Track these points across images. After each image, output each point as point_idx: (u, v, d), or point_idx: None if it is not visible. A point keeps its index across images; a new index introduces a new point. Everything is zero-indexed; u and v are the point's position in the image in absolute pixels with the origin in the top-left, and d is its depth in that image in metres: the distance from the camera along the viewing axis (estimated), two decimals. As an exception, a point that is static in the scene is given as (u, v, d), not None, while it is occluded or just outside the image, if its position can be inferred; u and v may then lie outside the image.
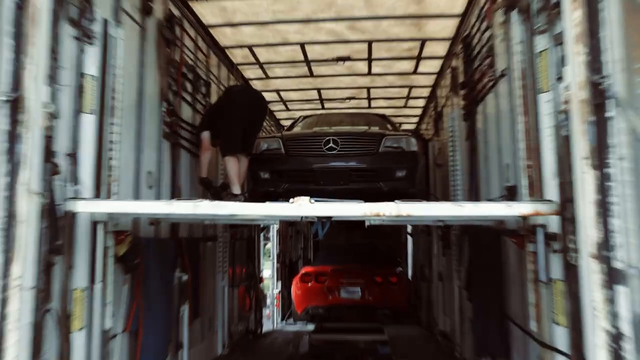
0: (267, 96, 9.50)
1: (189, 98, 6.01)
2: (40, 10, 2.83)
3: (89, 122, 3.59)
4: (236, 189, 5.63)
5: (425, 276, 10.03)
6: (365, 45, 7.27)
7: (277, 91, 9.55)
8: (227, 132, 5.64)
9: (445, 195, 7.51)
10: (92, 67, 3.60)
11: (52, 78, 3.10)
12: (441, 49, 7.35)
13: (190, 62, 6.03)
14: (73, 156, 3.42)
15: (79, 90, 3.52)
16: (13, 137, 2.70)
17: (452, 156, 6.59)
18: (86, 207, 3.27)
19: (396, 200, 3.26)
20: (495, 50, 4.81)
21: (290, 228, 13.38)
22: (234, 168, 5.64)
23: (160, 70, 5.05)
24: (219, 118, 5.70)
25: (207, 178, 5.90)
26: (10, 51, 2.71)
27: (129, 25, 4.38)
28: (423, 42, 7.09)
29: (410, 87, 9.28)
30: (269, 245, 13.56)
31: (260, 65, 8.09)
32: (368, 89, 9.42)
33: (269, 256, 13.65)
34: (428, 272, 9.53)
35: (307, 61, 7.89)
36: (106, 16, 3.87)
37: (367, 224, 4.39)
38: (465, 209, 3.16)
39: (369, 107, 10.60)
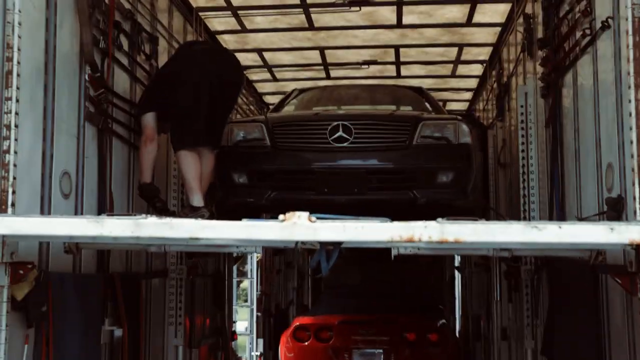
0: (244, 59, 9.53)
1: (125, 60, 5.97)
2: None
3: (-30, 96, 3.55)
4: (197, 200, 5.58)
5: (481, 332, 9.96)
6: (394, -19, 7.27)
7: (259, 51, 9.55)
8: (181, 113, 5.59)
9: (512, 211, 7.45)
10: (-26, 11, 3.57)
11: None
12: (509, -14, 7.34)
13: (127, 4, 5.98)
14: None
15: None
16: None
17: (523, 151, 6.55)
18: (-35, 227, 3.22)
19: (439, 219, 3.22)
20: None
21: (277, 258, 13.34)
22: (193, 168, 5.59)
23: (80, 17, 5.00)
24: (170, 92, 5.65)
25: (152, 184, 5.85)
26: None
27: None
28: (482, -25, 7.10)
29: (461, 46, 9.27)
30: (246, 284, 13.56)
31: (234, 11, 8.06)
32: (397, 48, 9.42)
33: (245, 300, 13.65)
34: (486, 327, 9.46)
35: (304, 5, 7.85)
36: None
37: (394, 253, 4.33)
38: (544, 233, 3.11)
39: (398, 76, 10.61)
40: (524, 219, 6.31)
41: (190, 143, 5.59)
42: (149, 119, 5.79)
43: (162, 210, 5.81)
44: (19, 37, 3.84)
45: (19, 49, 3.84)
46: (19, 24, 3.84)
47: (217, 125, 5.80)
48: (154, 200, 5.83)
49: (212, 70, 5.72)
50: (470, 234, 3.11)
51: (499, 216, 8.05)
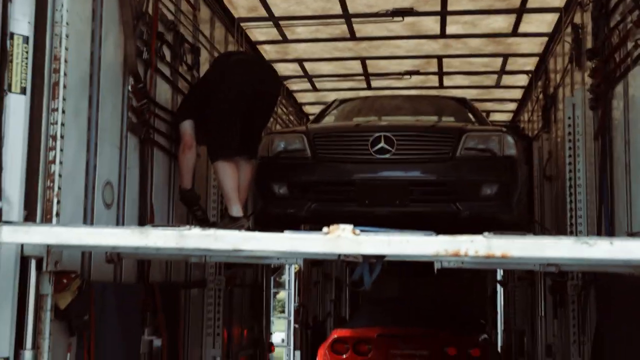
0: (284, 69, 9.61)
1: (167, 71, 6.05)
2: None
3: (18, 107, 3.62)
4: (236, 210, 5.62)
5: (525, 349, 9.85)
6: (438, -9, 7.26)
7: (300, 61, 9.60)
8: (218, 124, 5.64)
9: (558, 225, 7.37)
10: (22, 23, 3.64)
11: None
12: (557, -5, 7.28)
13: (170, 16, 6.08)
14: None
15: (4, 59, 3.55)
16: None
17: (571, 164, 6.49)
18: (13, 235, 3.25)
19: (485, 233, 3.19)
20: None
21: (315, 269, 13.35)
22: (231, 179, 5.63)
23: (124, 29, 5.09)
24: (206, 101, 5.71)
25: (192, 190, 5.91)
26: None
27: (78, -39, 4.43)
28: (529, -15, 7.05)
29: (507, 57, 9.22)
30: (283, 295, 13.57)
31: (275, 21, 8.13)
32: (440, 58, 9.41)
33: (282, 311, 13.66)
34: (530, 343, 9.35)
35: (346, 15, 7.88)
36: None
37: (437, 267, 4.31)
38: (595, 249, 3.05)
39: (441, 86, 10.58)
40: (571, 233, 6.23)
41: (226, 154, 5.62)
42: (187, 127, 5.86)
43: (201, 219, 5.87)
44: (66, 49, 3.91)
45: (65, 61, 3.90)
46: (67, 36, 3.90)
47: (254, 136, 5.86)
48: (194, 207, 5.89)
49: (249, 80, 5.75)
50: (518, 249, 3.08)
51: (545, 230, 7.95)
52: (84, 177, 4.53)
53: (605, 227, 5.62)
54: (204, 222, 5.82)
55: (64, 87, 3.93)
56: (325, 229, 3.14)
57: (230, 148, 5.61)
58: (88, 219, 4.54)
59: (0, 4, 3.55)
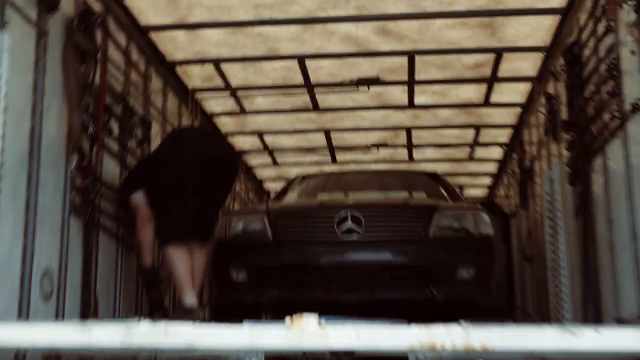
0: (243, 142, 9.67)
1: (115, 147, 6.03)
2: None
3: (-53, 189, 3.56)
4: (189, 299, 5.50)
5: None
6: (405, 60, 7.40)
7: (259, 134, 9.67)
8: (169, 202, 5.57)
9: (542, 311, 7.35)
10: (-44, 97, 3.61)
11: None
12: (529, 65, 7.47)
13: (118, 87, 6.09)
14: None
15: None
16: None
17: (552, 244, 6.51)
18: None
19: (462, 322, 3.15)
20: (622, 67, 4.84)
21: (278, 363, 13.08)
22: (183, 264, 5.52)
23: (69, 100, 5.08)
24: (157, 178, 5.66)
25: (153, 269, 5.81)
26: None
27: (18, 27, 4.41)
28: (499, 53, 7.22)
29: (479, 128, 9.39)
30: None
31: (233, 91, 8.20)
32: (408, 130, 9.55)
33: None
34: None
35: (308, 86, 7.99)
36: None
37: (413, 363, 4.24)
38: (581, 339, 3.02)
39: (411, 160, 10.69)
40: (556, 319, 6.22)
41: (178, 237, 5.51)
42: (139, 198, 5.79)
43: (156, 304, 5.74)
44: (5, 122, 3.87)
45: (2, 137, 3.86)
46: (5, 109, 3.88)
47: (210, 217, 5.78)
48: (152, 289, 5.77)
49: (202, 150, 5.72)
50: (498, 340, 3.03)
51: (528, 317, 7.94)
52: (20, 265, 4.42)
53: (592, 312, 5.61)
54: (158, 308, 5.70)
55: (1, 165, 3.88)
56: (287, 321, 3.08)
57: (182, 230, 5.50)
58: (23, 314, 4.40)
59: None
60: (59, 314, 4.91)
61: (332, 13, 6.40)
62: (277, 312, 6.43)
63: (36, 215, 4.60)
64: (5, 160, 3.97)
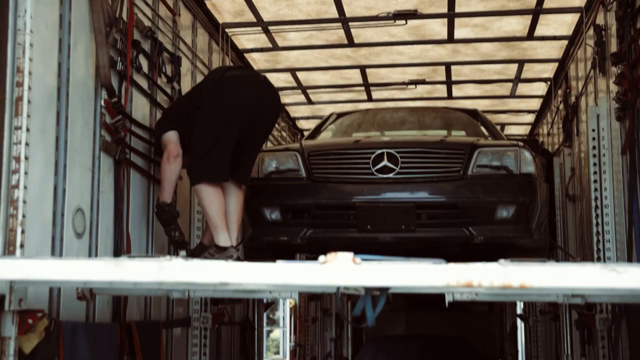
0: (275, 79, 9.65)
1: (144, 83, 6.05)
2: None
3: (-24, 125, 3.62)
4: (223, 239, 5.57)
5: (549, 390, 9.80)
6: (444, -9, 7.31)
7: (292, 71, 9.65)
8: (205, 143, 5.55)
9: (584, 251, 7.35)
10: (-19, 32, 3.65)
11: None
12: (576, -7, 7.34)
13: (147, 22, 6.09)
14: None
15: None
16: None
17: (596, 182, 6.48)
18: (-30, 270, 3.26)
19: (501, 260, 3.18)
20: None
21: (312, 304, 13.32)
22: (216, 203, 5.54)
23: (96, 36, 5.09)
24: (196, 118, 5.65)
25: (172, 205, 5.85)
26: None
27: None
28: (545, -17, 7.11)
29: (522, 63, 9.28)
30: (277, 334, 13.52)
31: (264, 27, 8.17)
32: (448, 65, 9.46)
33: (277, 352, 13.60)
34: (555, 384, 9.30)
35: (343, 19, 7.92)
36: None
37: (448, 299, 4.29)
38: (625, 277, 3.04)
39: (449, 97, 10.62)
40: (598, 259, 6.22)
41: (213, 177, 5.52)
42: (171, 136, 5.77)
43: (179, 242, 5.81)
44: (30, 60, 3.91)
45: (30, 73, 3.90)
46: (31, 45, 3.91)
47: (247, 160, 5.77)
48: (171, 226, 5.80)
49: (246, 102, 5.62)
50: (537, 278, 3.06)
51: (569, 257, 7.94)
52: (51, 203, 4.50)
53: (637, 252, 5.61)
54: (182, 246, 5.78)
55: (29, 102, 3.92)
56: (321, 258, 3.13)
57: (217, 172, 5.52)
58: (57, 251, 4.51)
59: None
60: (92, 252, 5.01)
61: (368, -60, 6.33)
62: (310, 252, 6.52)
63: (66, 152, 4.66)
64: (33, 98, 4.02)
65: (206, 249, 5.64)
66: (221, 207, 5.54)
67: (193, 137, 5.60)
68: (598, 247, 6.35)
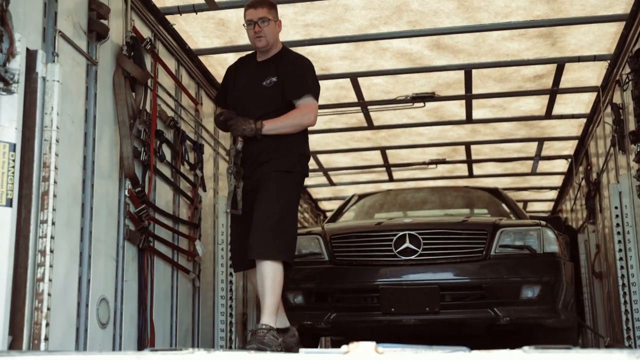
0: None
1: (168, 172, 6.14)
2: None
3: (3, 220, 3.64)
4: (283, 319, 5.25)
5: None
6: (461, 74, 7.40)
7: (314, 153, 9.72)
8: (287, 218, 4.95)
9: (614, 329, 7.23)
10: (9, 129, 3.71)
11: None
12: (593, 74, 7.41)
13: (169, 112, 6.22)
14: (-24, 278, 3.47)
15: (-11, 168, 3.63)
16: None
17: (622, 260, 6.43)
18: (-6, 366, 3.26)
19: (525, 347, 3.14)
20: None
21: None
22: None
23: (120, 129, 5.19)
24: None
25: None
26: None
27: (69, 58, 4.55)
28: (560, 65, 7.16)
29: (542, 141, 9.30)
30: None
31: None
32: (467, 145, 9.50)
33: None
34: None
35: (362, 103, 8.03)
36: (33, 44, 4.03)
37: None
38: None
39: (470, 175, 10.63)
40: (628, 338, 6.12)
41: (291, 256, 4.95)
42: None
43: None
44: (56, 155, 3.98)
45: (55, 168, 3.96)
46: (57, 141, 3.98)
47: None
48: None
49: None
50: (565, 367, 3.01)
51: (598, 336, 7.81)
52: (76, 294, 4.52)
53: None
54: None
55: (54, 196, 3.98)
56: (344, 348, 3.11)
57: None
58: (81, 342, 4.50)
59: (-16, 111, 3.65)
60: (116, 342, 5.00)
61: (384, 29, 6.44)
62: (335, 335, 6.46)
63: (91, 243, 4.71)
64: (59, 191, 4.08)
65: (275, 334, 4.69)
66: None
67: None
68: (627, 327, 6.25)
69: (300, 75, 5.12)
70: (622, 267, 6.44)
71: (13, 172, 3.76)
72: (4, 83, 3.72)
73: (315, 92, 5.22)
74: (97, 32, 4.89)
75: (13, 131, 3.75)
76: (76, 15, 4.64)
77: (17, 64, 3.78)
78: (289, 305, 5.70)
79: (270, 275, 4.71)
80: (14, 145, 3.75)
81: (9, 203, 3.71)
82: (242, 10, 5.20)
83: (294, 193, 5.00)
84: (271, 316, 4.69)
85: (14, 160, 3.76)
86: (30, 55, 3.93)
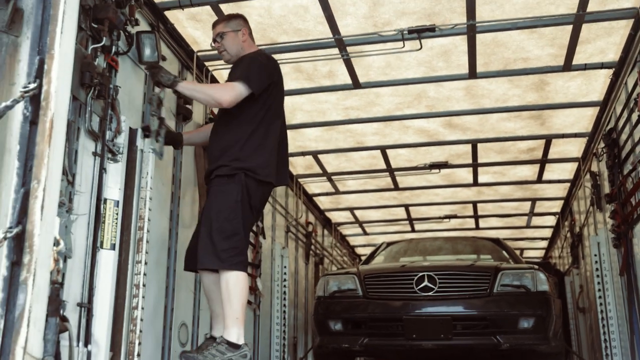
0: (338, 216, 9.72)
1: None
2: (56, 123, 2.77)
3: (108, 261, 3.71)
4: (239, 335, 3.81)
5: None
6: (469, 147, 7.37)
7: (351, 210, 9.73)
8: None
9: (595, 354, 7.05)
10: (114, 190, 3.80)
11: (65, 206, 3.27)
12: (574, 148, 7.34)
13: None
14: (86, 307, 3.49)
15: (98, 221, 3.68)
16: (11, 285, 2.69)
17: (601, 298, 6.28)
18: (99, 376, 3.27)
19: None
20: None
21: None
22: (246, 294, 3.93)
23: (199, 189, 5.26)
24: None
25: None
26: (17, 176, 2.59)
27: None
28: (548, 140, 7.11)
29: (534, 200, 9.21)
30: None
31: (329, 177, 8.32)
32: (474, 203, 9.44)
33: None
34: None
35: (390, 169, 8.04)
36: (134, 124, 4.15)
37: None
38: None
39: (477, 228, 10.53)
40: (606, 364, 5.94)
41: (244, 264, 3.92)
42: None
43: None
44: (150, 209, 4.05)
45: (149, 220, 4.03)
46: (150, 198, 4.06)
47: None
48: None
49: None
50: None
51: (582, 361, 7.60)
52: (162, 319, 4.56)
53: (639, 356, 5.35)
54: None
55: (147, 242, 4.04)
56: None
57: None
58: (165, 358, 4.52)
59: (97, 175, 3.72)
60: (194, 360, 5.00)
61: (407, 112, 6.47)
62: (367, 356, 6.36)
63: (174, 279, 4.75)
64: (151, 238, 4.14)
65: (215, 345, 3.79)
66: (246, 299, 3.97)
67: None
68: (606, 353, 6.08)
69: (242, 67, 4.05)
70: (601, 304, 6.28)
71: (116, 223, 3.83)
72: (112, 154, 3.83)
73: (249, 81, 3.93)
74: (183, 114, 5.00)
75: (117, 191, 3.83)
76: (167, 102, 4.75)
77: (122, 139, 3.88)
78: (330, 331, 5.65)
79: (223, 286, 3.81)
80: (118, 201, 3.83)
81: (113, 247, 3.77)
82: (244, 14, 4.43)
83: (236, 196, 3.88)
84: (227, 328, 3.76)
85: (117, 214, 3.83)
86: (132, 132, 4.04)
